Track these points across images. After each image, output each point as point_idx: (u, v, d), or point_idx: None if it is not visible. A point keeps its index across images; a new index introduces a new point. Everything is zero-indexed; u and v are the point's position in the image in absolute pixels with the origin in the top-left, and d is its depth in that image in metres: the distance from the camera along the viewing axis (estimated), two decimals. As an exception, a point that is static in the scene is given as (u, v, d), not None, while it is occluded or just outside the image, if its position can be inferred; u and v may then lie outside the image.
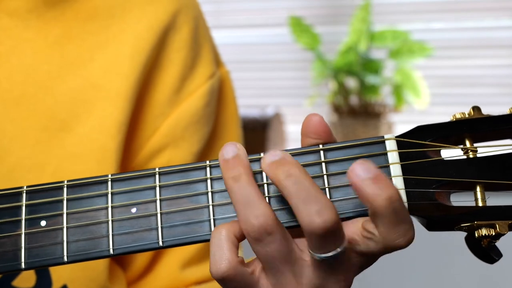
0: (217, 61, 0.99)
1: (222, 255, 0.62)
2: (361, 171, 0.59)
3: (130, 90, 0.89)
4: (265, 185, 0.65)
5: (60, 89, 0.88)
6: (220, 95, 0.98)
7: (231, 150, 0.63)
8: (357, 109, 2.67)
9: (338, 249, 0.60)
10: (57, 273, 0.85)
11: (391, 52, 2.66)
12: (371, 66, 2.65)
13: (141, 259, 0.92)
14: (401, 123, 2.77)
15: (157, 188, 0.67)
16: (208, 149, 0.95)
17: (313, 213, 0.59)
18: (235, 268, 0.62)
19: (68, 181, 0.68)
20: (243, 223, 0.61)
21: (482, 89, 2.82)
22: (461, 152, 0.64)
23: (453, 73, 2.84)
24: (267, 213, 0.61)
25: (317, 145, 0.66)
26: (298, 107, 2.89)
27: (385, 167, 0.64)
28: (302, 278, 0.63)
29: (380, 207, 0.59)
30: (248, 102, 2.84)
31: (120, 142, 0.88)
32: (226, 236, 0.62)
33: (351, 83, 2.71)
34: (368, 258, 0.64)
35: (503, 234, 0.61)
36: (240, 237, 0.63)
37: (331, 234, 0.59)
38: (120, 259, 0.93)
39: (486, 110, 0.66)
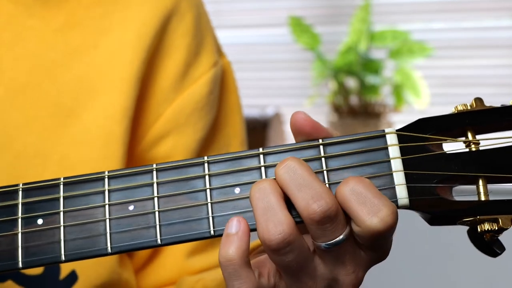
0: (219, 51, 0.99)
1: None
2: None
3: (134, 76, 0.88)
4: None
5: (65, 77, 0.88)
6: (222, 85, 0.98)
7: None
8: (357, 109, 2.67)
9: (340, 236, 0.60)
10: None
11: (391, 52, 2.66)
12: (371, 66, 2.64)
13: None
14: (401, 123, 2.76)
15: (155, 185, 0.66)
16: (210, 138, 0.95)
17: (308, 198, 0.60)
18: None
19: (64, 178, 0.67)
20: (261, 231, 0.60)
21: (482, 89, 2.81)
22: (463, 145, 0.63)
23: (453, 73, 2.84)
24: (287, 222, 0.60)
25: (317, 139, 0.65)
26: (298, 107, 2.88)
27: (386, 161, 0.64)
28: (316, 276, 0.63)
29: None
30: (248, 102, 2.83)
31: (126, 127, 0.88)
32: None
33: (351, 83, 2.71)
34: (373, 252, 0.63)
35: (506, 229, 0.60)
36: (248, 252, 0.62)
37: (329, 220, 0.59)
38: None
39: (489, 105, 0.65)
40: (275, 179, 0.63)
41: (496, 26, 2.80)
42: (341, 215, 0.60)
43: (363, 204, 0.60)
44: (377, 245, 0.63)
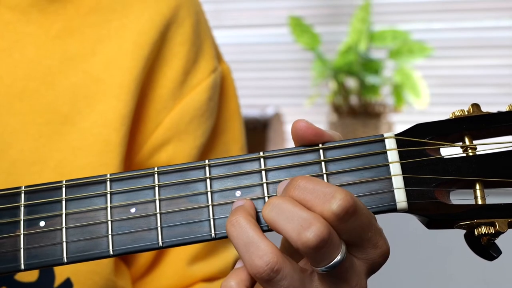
0: (218, 57, 0.99)
1: None
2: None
3: (133, 84, 0.88)
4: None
5: (62, 84, 0.88)
6: (221, 91, 0.98)
7: (237, 203, 0.64)
8: (357, 109, 2.67)
9: (338, 257, 0.60)
10: (60, 267, 0.84)
11: (391, 52, 2.66)
12: (371, 66, 2.64)
13: (145, 255, 0.92)
14: (401, 123, 2.76)
15: (156, 188, 0.66)
16: (210, 144, 0.95)
17: (298, 227, 0.59)
18: None
19: (66, 181, 0.68)
20: (249, 266, 0.60)
21: (482, 89, 2.81)
22: (461, 150, 0.64)
23: (453, 73, 2.84)
24: (271, 251, 0.60)
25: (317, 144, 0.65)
26: (298, 107, 2.89)
27: (385, 165, 0.64)
28: None
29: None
30: (248, 102, 2.83)
31: (124, 135, 0.88)
32: None
33: (351, 83, 2.71)
34: (374, 263, 0.63)
35: (503, 232, 0.61)
36: (251, 283, 0.62)
37: (324, 245, 0.59)
38: (123, 256, 0.93)
39: (486, 110, 0.65)
40: (242, 205, 0.63)
41: (496, 26, 2.80)
42: (334, 235, 0.59)
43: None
44: (360, 243, 0.62)
